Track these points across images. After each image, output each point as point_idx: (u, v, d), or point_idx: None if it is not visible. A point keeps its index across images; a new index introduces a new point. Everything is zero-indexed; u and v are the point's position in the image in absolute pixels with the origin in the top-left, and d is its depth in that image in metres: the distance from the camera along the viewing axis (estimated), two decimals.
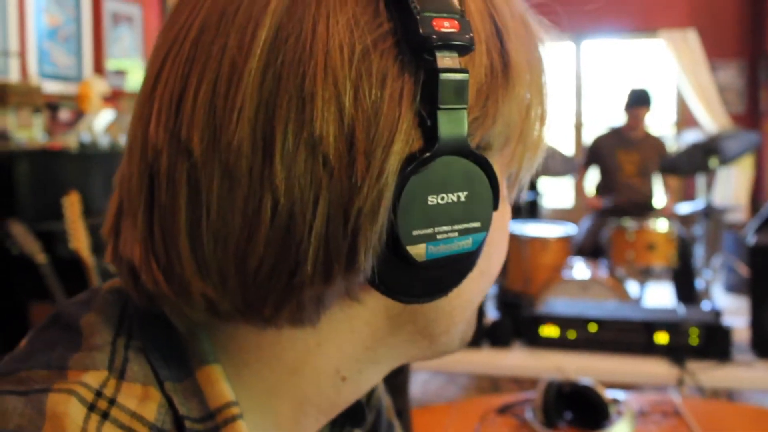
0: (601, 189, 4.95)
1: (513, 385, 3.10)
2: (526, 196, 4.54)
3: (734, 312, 3.94)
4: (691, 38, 6.54)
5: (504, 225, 0.51)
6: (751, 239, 2.35)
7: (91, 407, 0.42)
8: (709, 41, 6.57)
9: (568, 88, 7.05)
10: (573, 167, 4.42)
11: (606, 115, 6.93)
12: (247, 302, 0.42)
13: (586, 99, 7.08)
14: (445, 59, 0.41)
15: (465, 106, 0.42)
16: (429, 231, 0.43)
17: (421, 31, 0.41)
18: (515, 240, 3.95)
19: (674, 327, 2.28)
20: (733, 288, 5.39)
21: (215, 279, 0.42)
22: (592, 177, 5.08)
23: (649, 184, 4.90)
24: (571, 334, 2.37)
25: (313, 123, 0.39)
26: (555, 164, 4.11)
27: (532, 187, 5.74)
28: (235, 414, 0.45)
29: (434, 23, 0.41)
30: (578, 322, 2.37)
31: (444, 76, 0.41)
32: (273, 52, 0.40)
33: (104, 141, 3.91)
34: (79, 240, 2.57)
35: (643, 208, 4.76)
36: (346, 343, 0.47)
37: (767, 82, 6.21)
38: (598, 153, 4.92)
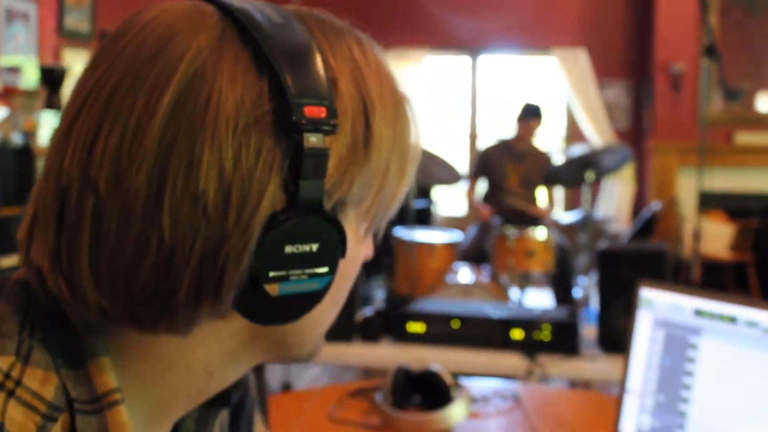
0: (489, 198, 5.18)
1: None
2: (415, 204, 4.72)
3: None
4: (582, 57, 6.87)
5: (355, 261, 0.60)
6: (602, 245, 2.56)
7: (0, 386, 0.50)
8: (598, 61, 6.92)
9: (463, 99, 7.30)
10: (459, 176, 4.61)
11: (500, 128, 7.20)
12: (131, 313, 0.52)
13: (480, 111, 7.34)
14: (311, 139, 0.50)
15: (323, 178, 0.51)
16: (283, 273, 0.52)
17: (293, 117, 0.50)
18: (404, 245, 4.10)
19: (529, 324, 2.47)
20: None
21: (107, 292, 0.51)
22: (482, 187, 5.30)
23: (532, 195, 5.16)
24: (435, 330, 2.53)
25: (198, 180, 0.49)
26: (442, 173, 4.29)
27: (425, 195, 5.94)
28: (118, 399, 0.53)
29: (305, 110, 0.50)
30: (442, 319, 2.54)
31: (308, 152, 0.50)
32: (173, 117, 0.49)
33: None
34: None
35: (525, 217, 5.01)
36: (213, 348, 0.56)
37: (650, 103, 6.58)
38: (487, 163, 5.15)
